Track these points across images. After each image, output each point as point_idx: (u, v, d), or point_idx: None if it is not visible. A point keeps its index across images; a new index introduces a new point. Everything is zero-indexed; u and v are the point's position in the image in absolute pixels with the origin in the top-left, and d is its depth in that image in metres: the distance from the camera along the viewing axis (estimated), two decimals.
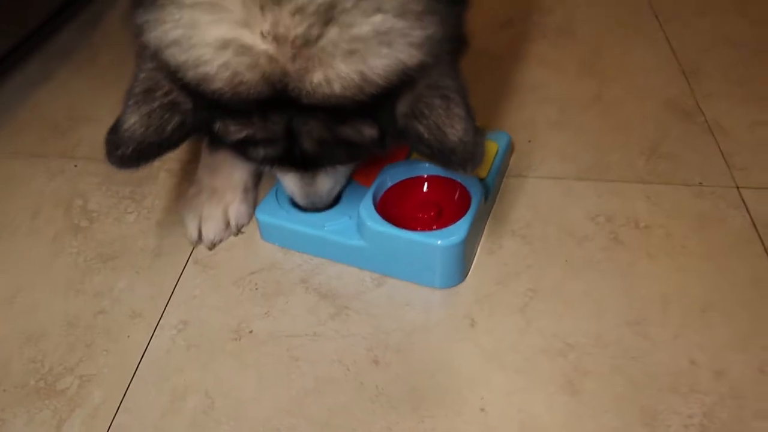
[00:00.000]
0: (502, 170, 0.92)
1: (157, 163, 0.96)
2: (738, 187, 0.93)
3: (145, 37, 0.60)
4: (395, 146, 0.67)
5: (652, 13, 1.35)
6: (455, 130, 0.60)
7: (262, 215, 0.86)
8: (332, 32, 0.57)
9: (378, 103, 0.60)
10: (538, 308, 0.78)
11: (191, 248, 0.88)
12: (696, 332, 0.75)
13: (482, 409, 0.69)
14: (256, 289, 0.82)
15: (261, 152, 0.68)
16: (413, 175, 0.85)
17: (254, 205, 0.91)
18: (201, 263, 0.86)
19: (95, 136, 1.07)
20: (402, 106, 0.61)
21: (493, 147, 0.90)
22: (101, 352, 0.76)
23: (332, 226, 0.82)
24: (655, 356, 0.73)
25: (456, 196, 0.83)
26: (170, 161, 1.01)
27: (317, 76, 0.58)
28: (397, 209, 0.82)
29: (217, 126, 0.64)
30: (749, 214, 0.89)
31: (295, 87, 0.59)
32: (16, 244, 0.91)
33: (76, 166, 1.03)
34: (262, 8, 0.56)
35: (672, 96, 1.11)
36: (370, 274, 0.83)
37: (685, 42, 1.25)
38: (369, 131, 0.64)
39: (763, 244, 0.85)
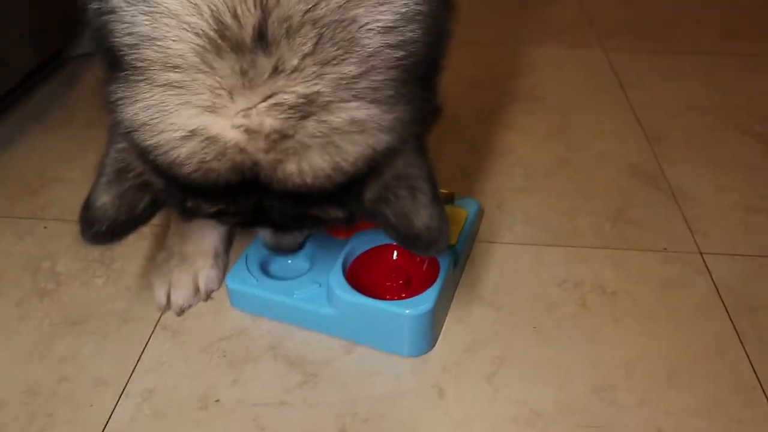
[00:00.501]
0: (471, 237, 0.93)
1: None
2: (701, 253, 0.95)
3: (117, 115, 0.60)
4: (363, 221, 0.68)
5: (617, 80, 1.40)
6: (421, 217, 0.61)
7: (232, 282, 0.86)
8: (310, 125, 0.56)
9: (345, 190, 0.60)
10: (506, 376, 0.78)
11: (159, 313, 0.87)
12: (662, 398, 0.76)
13: None
14: (224, 356, 0.81)
15: (231, 221, 0.68)
16: (382, 243, 0.86)
17: (225, 269, 0.91)
18: (169, 329, 0.85)
19: (66, 197, 1.08)
20: (369, 193, 0.62)
21: (462, 214, 0.92)
22: (63, 422, 0.75)
23: (301, 293, 0.82)
24: (621, 423, 0.73)
25: (425, 265, 0.84)
26: None
27: (290, 167, 0.58)
28: (366, 277, 0.83)
29: (189, 204, 0.64)
30: (712, 280, 0.91)
31: (266, 176, 0.59)
32: None
33: (45, 227, 1.02)
34: (231, 94, 0.55)
35: (636, 161, 1.15)
36: (339, 341, 0.82)
37: (649, 108, 1.30)
38: (335, 213, 0.64)
39: (726, 309, 0.86)
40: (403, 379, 0.78)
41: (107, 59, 0.60)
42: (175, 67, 0.55)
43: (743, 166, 1.13)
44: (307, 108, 0.56)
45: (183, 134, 0.57)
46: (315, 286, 0.83)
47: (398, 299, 0.79)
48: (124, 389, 0.78)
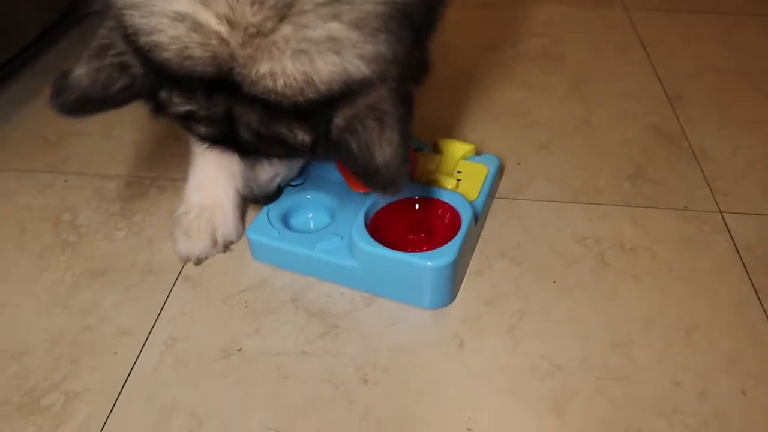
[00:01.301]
0: (491, 193, 0.93)
1: (147, 180, 0.98)
2: (721, 212, 0.95)
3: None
4: (324, 157, 0.68)
5: (638, 39, 1.38)
6: (383, 153, 0.61)
7: (253, 234, 0.86)
8: (286, 29, 0.58)
9: (315, 109, 0.61)
10: (526, 329, 0.79)
11: (181, 265, 0.88)
12: (680, 354, 0.76)
13: (469, 429, 0.69)
14: (246, 306, 0.82)
15: (201, 130, 0.69)
16: (405, 197, 0.86)
17: (243, 221, 0.91)
18: (191, 280, 0.86)
19: (85, 150, 1.08)
20: (338, 119, 0.62)
21: (483, 170, 0.91)
22: (87, 368, 0.76)
23: (323, 246, 0.83)
24: (639, 378, 0.74)
25: (446, 219, 0.84)
26: (160, 178, 1.02)
27: (263, 68, 0.59)
28: (388, 230, 0.83)
29: (162, 95, 0.65)
30: (732, 239, 0.90)
31: (240, 73, 0.60)
32: (2, 259, 0.90)
33: (66, 180, 1.03)
34: None
35: (657, 121, 1.14)
36: (359, 294, 0.83)
37: (670, 68, 1.28)
38: (302, 135, 0.65)
39: (745, 267, 0.86)
40: (424, 331, 0.79)
41: None
42: None
43: (762, 126, 1.12)
44: (285, 10, 0.57)
45: (171, 19, 0.59)
46: (336, 239, 0.83)
47: (420, 252, 0.79)
48: (147, 338, 0.79)
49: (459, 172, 0.91)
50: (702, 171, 1.02)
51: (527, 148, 1.07)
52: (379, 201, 0.84)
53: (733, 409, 0.71)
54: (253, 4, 0.57)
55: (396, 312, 0.81)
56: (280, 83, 0.59)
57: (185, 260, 0.88)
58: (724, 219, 0.94)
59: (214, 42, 0.59)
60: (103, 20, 0.65)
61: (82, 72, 0.64)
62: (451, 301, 0.82)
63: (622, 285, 0.84)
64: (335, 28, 0.58)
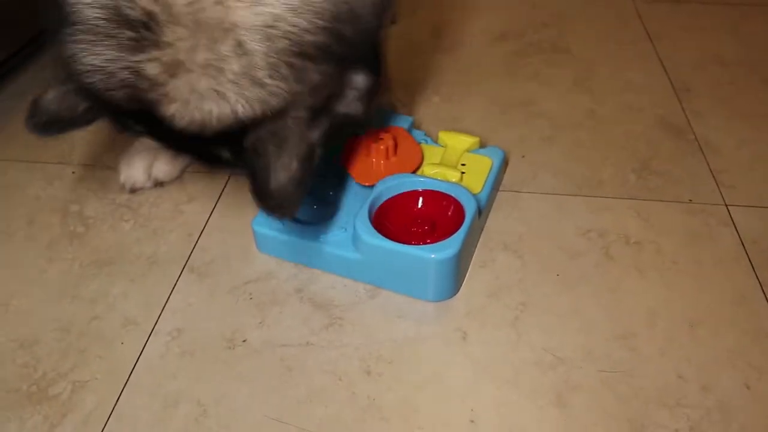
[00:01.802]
0: (495, 185, 0.93)
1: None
2: (727, 205, 0.94)
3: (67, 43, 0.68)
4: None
5: (645, 30, 1.38)
6: (277, 178, 0.66)
7: (258, 226, 0.87)
8: (177, 82, 0.64)
9: (223, 136, 0.67)
10: (529, 322, 0.79)
11: (187, 256, 0.88)
12: (683, 347, 0.76)
13: (472, 421, 0.70)
14: (251, 298, 0.83)
15: (163, 143, 0.76)
16: (408, 190, 0.86)
17: (181, 170, 0.99)
18: (196, 272, 0.87)
19: (93, 142, 1.09)
20: (247, 141, 0.67)
21: (487, 162, 0.91)
22: (94, 358, 0.77)
23: (327, 238, 0.83)
24: (642, 370, 0.74)
25: (450, 211, 0.84)
26: None
27: (171, 109, 0.66)
28: (392, 223, 0.83)
29: (120, 120, 0.74)
30: (737, 232, 0.90)
31: (156, 111, 0.67)
32: (11, 250, 0.91)
33: (73, 172, 1.03)
34: (129, 50, 0.64)
35: (663, 113, 1.13)
36: (364, 286, 0.84)
37: (677, 60, 1.27)
38: (224, 153, 0.71)
39: (750, 261, 0.86)
40: (427, 323, 0.80)
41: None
42: (93, 27, 0.65)
43: None
44: (174, 68, 0.64)
45: (94, 67, 0.66)
46: (341, 231, 0.83)
47: (423, 245, 0.79)
48: (153, 328, 0.80)
49: (463, 164, 0.91)
50: (708, 164, 1.02)
51: (532, 141, 1.07)
52: (383, 193, 0.85)
53: (736, 402, 0.71)
54: (151, 61, 0.64)
55: (400, 304, 0.81)
56: (185, 121, 0.66)
57: (122, 187, 0.98)
58: (729, 212, 0.93)
59: (126, 86, 0.66)
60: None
61: (51, 96, 0.72)
62: (455, 294, 0.82)
63: (626, 278, 0.84)
64: (219, 81, 0.64)
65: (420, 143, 0.94)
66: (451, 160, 0.92)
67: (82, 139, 1.10)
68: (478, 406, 0.71)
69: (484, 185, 0.88)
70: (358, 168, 0.90)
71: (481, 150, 0.95)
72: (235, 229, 0.92)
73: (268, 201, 0.68)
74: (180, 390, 0.73)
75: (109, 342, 0.79)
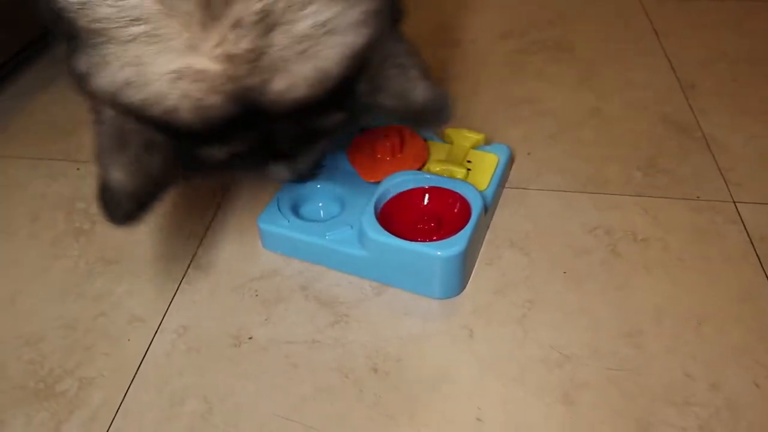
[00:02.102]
0: (501, 182, 0.93)
1: None
2: (735, 202, 0.94)
3: (94, 85, 0.57)
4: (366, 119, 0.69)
5: (651, 27, 1.37)
6: (418, 91, 0.62)
7: (263, 224, 0.86)
8: (278, 38, 0.56)
9: (340, 90, 0.61)
10: (536, 319, 0.79)
11: (192, 254, 0.88)
12: (691, 345, 0.76)
13: (479, 419, 0.69)
14: (256, 295, 0.83)
15: (246, 163, 0.68)
16: (414, 187, 0.86)
17: None
18: (202, 269, 0.86)
19: None
20: (362, 87, 0.62)
21: (493, 159, 0.91)
22: (101, 355, 0.77)
23: (333, 235, 0.83)
24: (650, 368, 0.73)
25: (456, 208, 0.84)
26: None
27: (279, 85, 0.58)
28: (397, 220, 0.83)
29: (201, 152, 0.63)
30: (745, 229, 0.90)
31: (260, 100, 0.59)
32: (16, 247, 0.91)
33: (78, 169, 1.03)
34: (203, 27, 0.55)
35: (669, 110, 1.13)
36: (369, 283, 0.83)
37: (683, 57, 1.27)
38: (337, 117, 0.65)
39: (758, 258, 0.86)
40: (434, 320, 0.79)
41: (61, 29, 0.58)
42: (136, 20, 0.54)
43: None
44: (266, 20, 0.55)
45: (169, 80, 0.55)
46: (347, 228, 0.83)
47: (430, 242, 0.79)
48: (159, 325, 0.80)
49: (469, 161, 0.91)
50: (715, 161, 1.02)
51: (538, 138, 1.07)
52: (389, 190, 0.84)
53: (745, 400, 0.70)
54: (234, 29, 0.55)
55: (406, 301, 0.81)
56: (301, 90, 0.59)
57: None
58: (737, 209, 0.93)
59: (221, 82, 0.57)
60: (95, 115, 0.60)
61: (118, 175, 0.59)
62: (461, 291, 0.82)
63: (633, 275, 0.84)
64: (315, 10, 0.57)
65: (426, 140, 0.94)
66: (457, 156, 0.91)
67: (87, 136, 1.09)
68: (484, 404, 0.71)
69: (490, 182, 0.88)
70: (364, 165, 0.90)
71: (487, 147, 0.94)
72: (240, 226, 0.92)
73: (425, 116, 0.64)
74: (186, 387, 0.73)
75: (115, 339, 0.78)
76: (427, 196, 0.86)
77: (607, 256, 0.86)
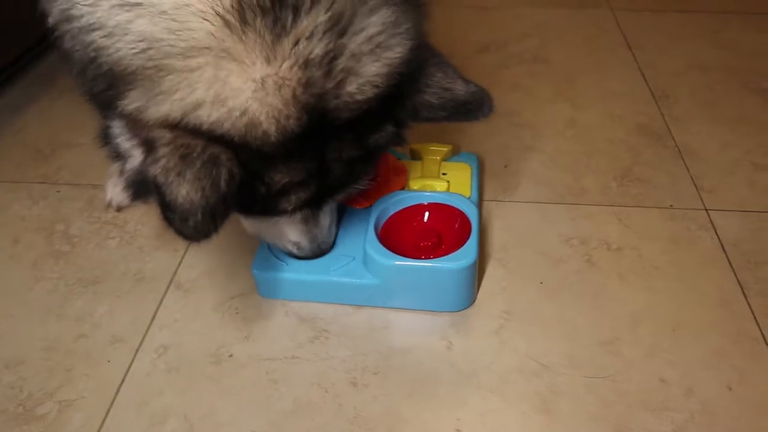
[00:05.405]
0: (479, 189, 0.93)
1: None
2: (707, 209, 0.96)
3: (154, 115, 0.59)
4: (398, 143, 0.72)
5: (624, 40, 1.39)
6: (459, 85, 0.68)
7: (259, 271, 0.83)
8: (350, 40, 0.59)
9: (397, 90, 0.64)
10: (513, 329, 0.80)
11: (173, 273, 0.89)
12: (666, 351, 0.77)
13: (458, 430, 0.70)
14: (237, 313, 0.83)
15: (293, 199, 0.68)
16: (410, 205, 0.86)
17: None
18: (182, 288, 0.87)
19: (77, 161, 1.09)
20: (408, 88, 0.66)
21: (467, 168, 0.93)
22: (81, 376, 0.77)
23: (338, 268, 0.81)
24: (626, 375, 0.75)
25: (457, 223, 0.84)
26: None
27: (351, 86, 0.61)
28: (397, 241, 0.82)
29: (267, 176, 0.64)
30: (717, 236, 0.91)
31: (333, 105, 0.61)
32: None
33: (58, 191, 1.04)
34: (273, 43, 0.57)
35: (643, 120, 1.15)
36: None
37: (656, 68, 1.29)
38: (389, 128, 0.68)
39: (730, 264, 0.87)
40: (412, 334, 0.80)
41: (104, 78, 0.60)
42: (205, 48, 0.56)
43: (749, 124, 1.13)
44: (337, 27, 0.58)
45: (250, 95, 0.58)
46: (349, 260, 0.82)
47: (434, 258, 0.79)
48: (139, 346, 0.80)
49: (444, 174, 0.92)
50: (688, 169, 1.03)
51: (514, 150, 1.09)
52: (383, 213, 0.84)
53: (719, 404, 0.71)
54: (309, 38, 0.57)
55: (385, 316, 0.82)
56: (370, 89, 0.62)
57: (108, 205, 0.99)
58: (709, 216, 0.95)
59: (300, 91, 0.59)
60: (152, 141, 0.60)
61: (185, 191, 0.58)
62: (474, 301, 0.83)
63: (609, 284, 0.85)
64: (384, 15, 0.61)
65: (400, 159, 0.94)
66: (432, 171, 0.92)
67: (66, 159, 1.10)
68: (464, 415, 0.71)
69: (471, 190, 0.89)
70: None
71: (455, 158, 0.96)
72: (220, 245, 0.92)
73: (470, 107, 0.68)
74: (167, 406, 0.73)
75: (95, 360, 0.79)
76: (426, 213, 0.86)
77: (582, 266, 0.88)
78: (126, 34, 0.57)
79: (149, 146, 0.60)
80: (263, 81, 0.58)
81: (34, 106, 1.25)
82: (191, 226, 0.59)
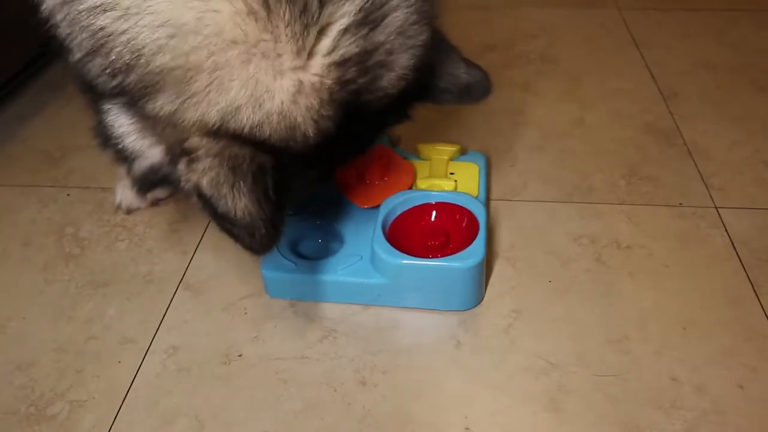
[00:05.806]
0: (487, 188, 0.93)
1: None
2: (717, 207, 0.95)
3: (191, 117, 0.57)
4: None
5: (632, 38, 1.39)
6: (461, 69, 0.71)
7: (268, 271, 0.83)
8: (382, 34, 0.59)
9: (417, 71, 0.64)
10: (522, 328, 0.80)
11: (182, 274, 0.89)
12: (676, 349, 0.77)
13: (467, 429, 0.70)
14: (246, 313, 0.83)
15: (308, 183, 0.69)
16: (417, 204, 0.86)
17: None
18: (191, 289, 0.87)
19: (87, 165, 1.10)
20: (426, 75, 0.67)
21: (474, 168, 0.93)
22: (92, 377, 0.77)
23: (346, 268, 0.81)
24: (636, 373, 0.74)
25: (464, 222, 0.84)
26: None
27: (386, 80, 0.61)
28: (405, 240, 0.82)
29: (309, 169, 0.64)
30: (728, 234, 0.91)
31: (365, 100, 0.60)
32: (7, 273, 0.92)
33: (68, 195, 1.04)
34: (303, 39, 0.55)
35: (651, 119, 1.14)
36: None
37: (664, 66, 1.29)
38: (400, 111, 0.70)
39: (741, 262, 0.87)
40: (421, 333, 0.80)
41: (119, 73, 0.56)
42: (233, 43, 0.54)
43: (758, 121, 1.13)
44: (369, 21, 0.57)
45: (287, 93, 0.56)
46: (357, 259, 0.82)
47: (442, 257, 0.80)
48: (149, 346, 0.80)
49: (452, 173, 0.92)
50: (697, 167, 1.03)
51: (522, 150, 1.08)
52: (389, 215, 0.84)
53: (730, 402, 0.71)
54: (343, 35, 0.56)
55: (393, 315, 0.82)
56: (400, 82, 0.62)
57: (117, 208, 0.99)
58: (719, 214, 0.94)
59: (336, 89, 0.57)
60: (197, 151, 0.58)
61: (242, 204, 0.57)
62: (483, 299, 0.83)
63: (618, 283, 0.85)
64: (405, 3, 0.61)
65: (408, 159, 0.94)
66: (439, 171, 0.92)
67: (76, 162, 1.11)
68: (472, 414, 0.71)
69: (479, 189, 0.89)
70: (357, 192, 0.88)
71: (463, 157, 0.96)
72: (228, 246, 0.91)
73: (471, 91, 0.73)
74: (177, 406, 0.73)
75: (106, 361, 0.79)
76: (434, 212, 0.86)
77: (591, 264, 0.87)
78: (145, 14, 0.52)
79: (186, 153, 0.58)
80: (300, 81, 0.56)
81: (42, 114, 1.25)
82: (258, 240, 0.59)
